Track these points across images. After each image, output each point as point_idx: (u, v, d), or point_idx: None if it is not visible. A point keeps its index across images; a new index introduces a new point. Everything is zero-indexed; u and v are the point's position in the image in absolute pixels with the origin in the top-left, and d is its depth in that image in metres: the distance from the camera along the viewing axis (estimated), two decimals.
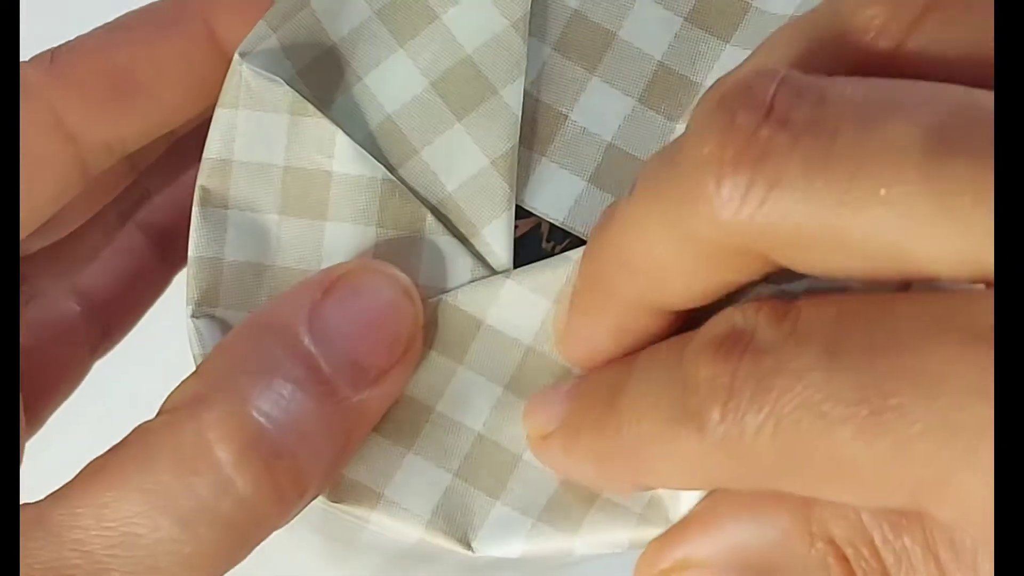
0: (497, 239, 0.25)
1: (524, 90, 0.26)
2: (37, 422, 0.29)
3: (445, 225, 0.25)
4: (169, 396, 0.23)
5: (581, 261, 0.23)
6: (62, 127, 0.25)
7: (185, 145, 0.29)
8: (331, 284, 0.24)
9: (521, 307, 0.25)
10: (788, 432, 0.18)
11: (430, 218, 0.25)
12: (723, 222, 0.18)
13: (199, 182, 0.25)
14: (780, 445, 0.18)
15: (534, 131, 0.26)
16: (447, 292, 0.25)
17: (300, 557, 0.31)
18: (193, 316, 0.25)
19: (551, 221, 0.26)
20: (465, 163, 0.26)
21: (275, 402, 0.22)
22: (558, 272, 0.25)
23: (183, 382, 0.23)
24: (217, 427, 0.22)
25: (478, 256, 0.25)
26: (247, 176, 0.25)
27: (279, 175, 0.25)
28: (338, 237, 0.25)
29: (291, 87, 0.25)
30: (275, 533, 0.23)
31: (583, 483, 0.24)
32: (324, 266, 0.25)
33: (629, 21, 0.26)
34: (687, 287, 0.20)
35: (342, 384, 0.23)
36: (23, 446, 0.26)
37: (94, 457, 0.23)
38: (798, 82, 0.18)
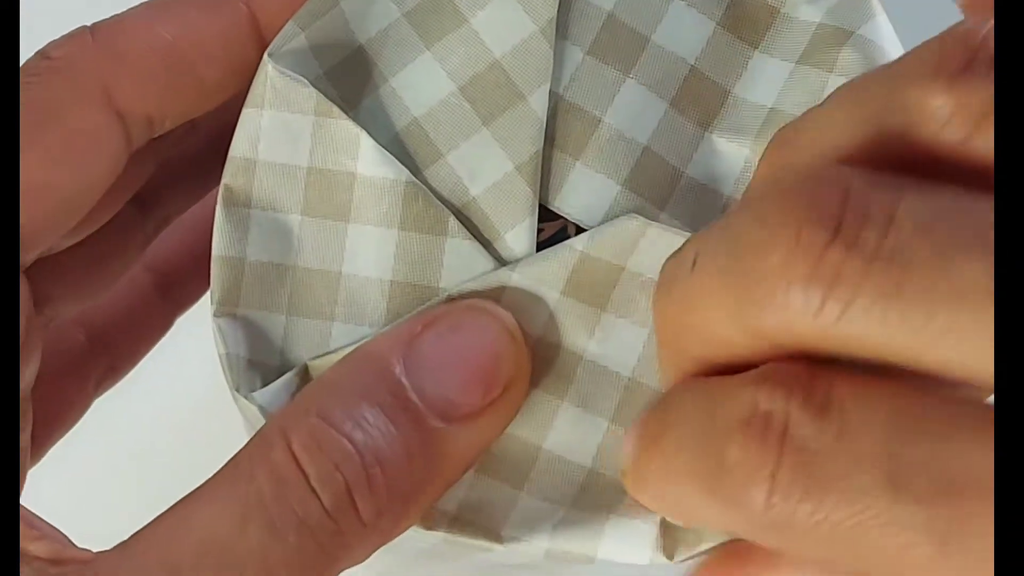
0: (519, 244, 0.25)
1: (558, 94, 0.25)
2: (38, 453, 0.30)
3: (468, 229, 0.25)
4: (266, 420, 0.24)
5: (653, 314, 0.22)
6: (111, 102, 0.25)
7: (200, 168, 0.30)
8: (433, 319, 0.24)
9: (529, 298, 0.25)
10: (847, 534, 0.18)
11: (453, 222, 0.25)
12: (792, 327, 0.18)
13: (223, 181, 0.26)
14: (837, 538, 0.18)
15: (568, 135, 0.26)
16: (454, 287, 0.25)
17: None
18: (215, 315, 0.25)
19: (586, 227, 0.25)
20: (490, 168, 0.25)
21: (358, 424, 0.23)
22: (562, 261, 0.25)
23: (283, 407, 0.24)
24: (304, 444, 0.23)
25: (500, 260, 0.25)
26: (271, 176, 0.25)
27: (303, 176, 0.25)
28: (360, 239, 0.25)
29: (317, 88, 0.25)
30: None
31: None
32: (346, 268, 0.25)
33: (663, 25, 0.26)
34: (750, 356, 0.20)
35: (430, 416, 0.24)
36: (24, 476, 0.26)
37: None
38: (865, 197, 0.18)
